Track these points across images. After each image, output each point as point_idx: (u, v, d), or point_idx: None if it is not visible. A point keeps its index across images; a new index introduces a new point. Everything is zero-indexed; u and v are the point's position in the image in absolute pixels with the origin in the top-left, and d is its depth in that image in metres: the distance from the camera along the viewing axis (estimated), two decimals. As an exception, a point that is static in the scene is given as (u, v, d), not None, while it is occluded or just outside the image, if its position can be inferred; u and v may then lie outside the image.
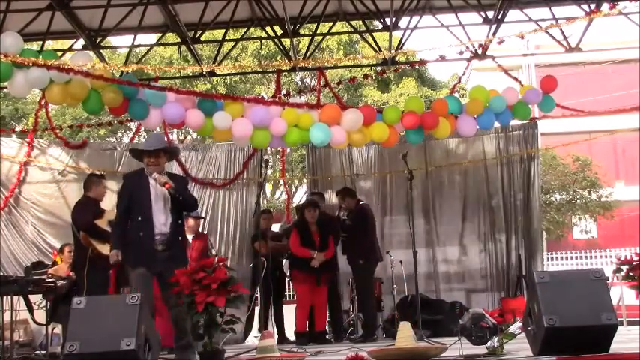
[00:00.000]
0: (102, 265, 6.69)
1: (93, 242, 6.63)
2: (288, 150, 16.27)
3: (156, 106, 7.31)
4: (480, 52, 9.61)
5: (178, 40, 10.05)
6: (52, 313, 6.85)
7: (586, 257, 19.64)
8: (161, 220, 5.46)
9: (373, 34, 10.11)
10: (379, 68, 13.74)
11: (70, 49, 9.95)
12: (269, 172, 12.40)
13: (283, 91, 10.99)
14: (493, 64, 10.03)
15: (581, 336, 4.26)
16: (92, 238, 6.63)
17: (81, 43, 9.74)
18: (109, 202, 7.33)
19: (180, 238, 5.59)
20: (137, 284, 5.40)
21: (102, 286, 6.64)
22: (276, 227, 10.33)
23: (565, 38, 9.47)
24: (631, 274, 6.20)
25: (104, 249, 6.68)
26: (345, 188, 8.99)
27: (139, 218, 5.44)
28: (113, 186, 9.51)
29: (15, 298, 6.43)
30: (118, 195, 5.93)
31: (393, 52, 9.47)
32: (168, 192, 5.46)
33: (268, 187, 19.88)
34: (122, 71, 9.34)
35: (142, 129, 14.34)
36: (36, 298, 6.84)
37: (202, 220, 8.97)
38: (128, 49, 10.41)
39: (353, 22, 10.30)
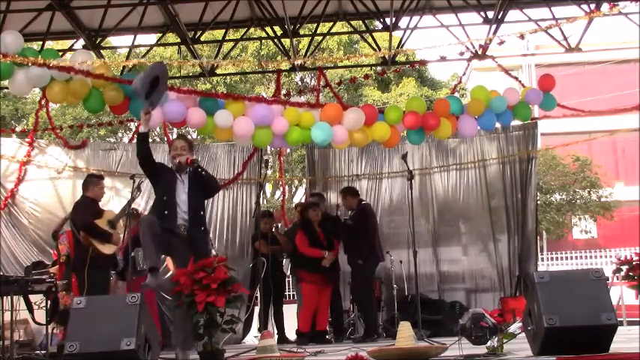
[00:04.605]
0: (102, 264, 6.71)
1: (93, 242, 6.63)
2: (288, 150, 16.27)
3: (156, 104, 7.30)
4: (479, 52, 9.60)
5: (178, 40, 10.04)
6: (51, 313, 6.84)
7: (586, 257, 19.63)
8: (184, 209, 5.58)
9: (373, 34, 10.11)
10: (379, 69, 13.73)
11: (70, 49, 9.94)
12: (269, 172, 12.37)
13: (283, 91, 10.99)
14: (493, 64, 10.01)
15: (581, 336, 4.26)
16: (92, 238, 6.63)
17: (81, 43, 9.73)
18: (109, 203, 7.33)
19: (202, 228, 5.69)
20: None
21: (102, 286, 6.64)
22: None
23: (565, 38, 9.46)
24: (631, 274, 6.22)
25: (104, 249, 6.70)
26: (347, 187, 8.99)
27: (165, 198, 5.58)
28: (112, 186, 9.55)
29: (15, 298, 6.42)
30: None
31: (393, 50, 9.47)
32: (192, 164, 5.63)
33: (268, 187, 19.88)
34: (123, 67, 9.32)
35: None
36: (36, 298, 6.82)
37: None
38: (128, 49, 10.40)
39: (353, 22, 10.29)
